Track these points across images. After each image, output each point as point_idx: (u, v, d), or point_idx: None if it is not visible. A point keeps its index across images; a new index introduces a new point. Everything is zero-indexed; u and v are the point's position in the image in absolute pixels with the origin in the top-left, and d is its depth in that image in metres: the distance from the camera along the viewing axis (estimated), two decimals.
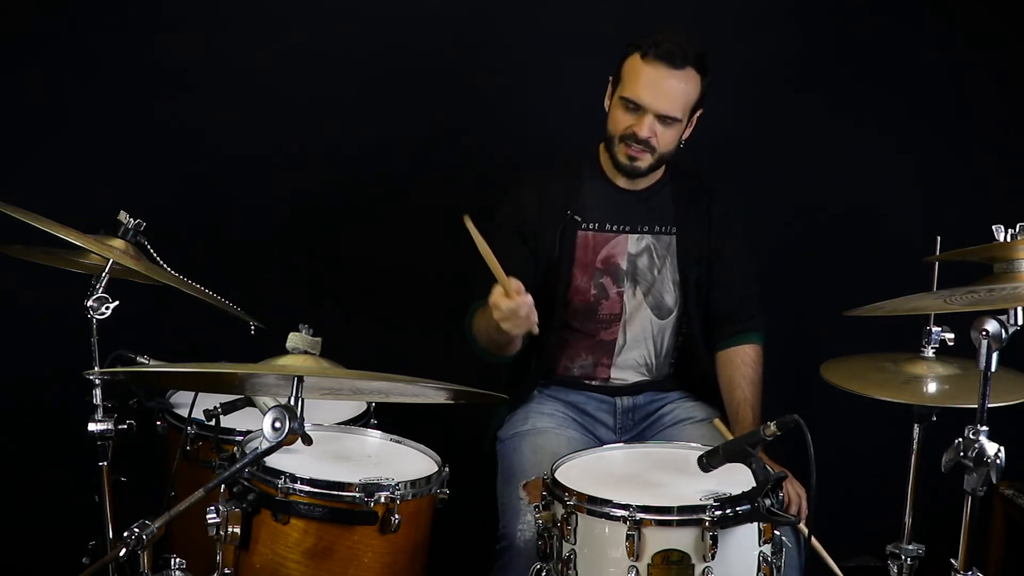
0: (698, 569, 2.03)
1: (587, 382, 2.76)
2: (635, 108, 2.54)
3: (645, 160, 2.58)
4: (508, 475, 2.57)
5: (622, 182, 2.68)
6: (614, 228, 2.68)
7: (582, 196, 2.67)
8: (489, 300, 2.27)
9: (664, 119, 2.54)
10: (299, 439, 1.92)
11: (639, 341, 2.73)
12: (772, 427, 2.02)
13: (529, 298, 2.27)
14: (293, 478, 2.07)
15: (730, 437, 2.51)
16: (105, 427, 2.31)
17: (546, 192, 2.67)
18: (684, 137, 2.64)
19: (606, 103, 2.65)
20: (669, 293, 2.71)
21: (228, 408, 2.40)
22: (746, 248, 2.77)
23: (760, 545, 2.09)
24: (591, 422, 2.75)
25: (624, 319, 2.70)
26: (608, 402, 2.76)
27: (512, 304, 2.25)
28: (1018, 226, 2.07)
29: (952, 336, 2.26)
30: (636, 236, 2.69)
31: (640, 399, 2.76)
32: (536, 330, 2.33)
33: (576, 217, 2.65)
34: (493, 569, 2.46)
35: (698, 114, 2.63)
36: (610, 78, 2.63)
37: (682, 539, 2.03)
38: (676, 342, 2.76)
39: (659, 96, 2.52)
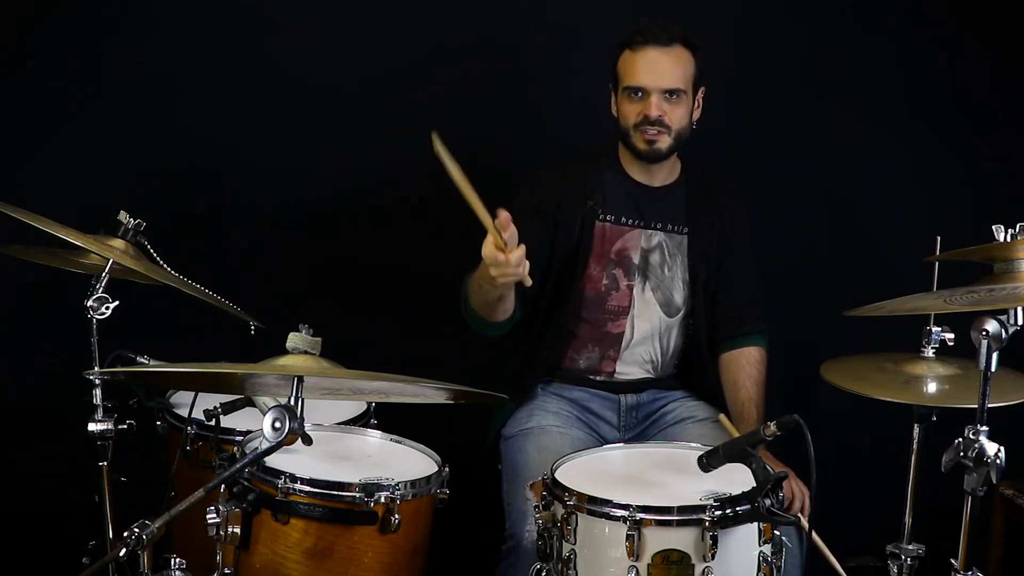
0: (698, 569, 2.03)
1: (592, 377, 2.76)
2: (640, 94, 2.60)
3: (664, 140, 2.63)
4: (513, 475, 2.57)
5: (639, 176, 2.72)
6: (629, 222, 2.71)
7: (600, 187, 2.71)
8: (482, 252, 2.22)
9: (669, 95, 2.60)
10: (299, 439, 1.92)
11: (646, 337, 2.73)
12: (772, 427, 2.02)
13: (520, 247, 2.21)
14: (293, 478, 2.07)
15: (735, 434, 2.51)
16: (105, 427, 2.31)
17: (567, 180, 2.72)
18: (695, 118, 2.69)
19: (612, 109, 2.69)
20: (679, 291, 2.73)
21: (228, 408, 2.40)
22: (752, 251, 2.79)
23: (760, 545, 2.09)
24: (595, 420, 2.75)
25: (632, 313, 2.71)
26: (612, 399, 2.76)
27: (502, 247, 2.19)
28: (1018, 226, 2.08)
29: (952, 336, 2.26)
30: (649, 232, 2.72)
31: (644, 397, 2.77)
32: (528, 280, 2.27)
33: (595, 207, 2.68)
34: (499, 569, 2.46)
35: (702, 92, 2.69)
36: (610, 85, 2.68)
37: (682, 539, 2.03)
38: (683, 342, 2.77)
39: (658, 74, 2.59)
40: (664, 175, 2.73)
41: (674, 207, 2.73)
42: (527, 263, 2.25)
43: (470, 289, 2.54)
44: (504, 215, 2.18)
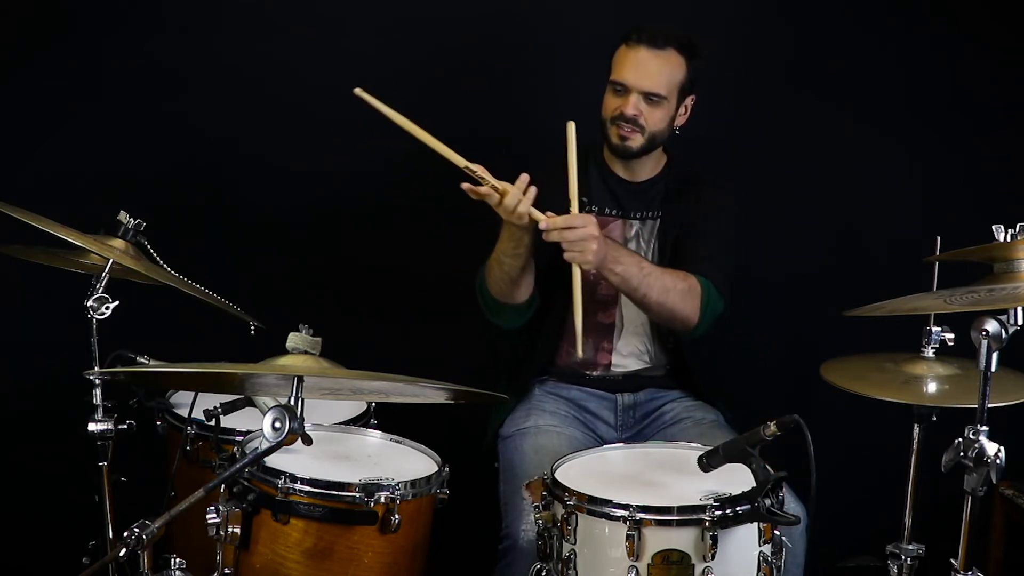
0: (698, 569, 2.03)
1: (588, 373, 2.77)
2: (622, 90, 2.64)
3: (636, 140, 2.65)
4: (510, 475, 2.57)
5: (622, 172, 2.75)
6: (612, 213, 2.74)
7: (588, 182, 2.73)
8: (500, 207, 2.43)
9: (649, 97, 2.62)
10: (299, 439, 1.92)
11: (636, 325, 2.74)
12: (772, 427, 2.02)
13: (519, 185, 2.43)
14: (293, 478, 2.07)
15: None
16: (105, 427, 2.31)
17: (555, 176, 2.71)
18: (679, 124, 2.71)
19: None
20: None
21: (228, 408, 2.40)
22: (722, 228, 2.73)
23: (760, 545, 2.09)
24: (592, 419, 2.76)
25: (621, 301, 2.73)
26: (609, 399, 2.77)
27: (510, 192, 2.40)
28: (1018, 226, 2.08)
29: (952, 336, 2.26)
30: (630, 222, 2.75)
31: (641, 396, 2.78)
32: (539, 215, 2.45)
33: (583, 199, 2.70)
34: (496, 569, 2.46)
35: (690, 100, 2.70)
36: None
37: (682, 539, 2.04)
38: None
39: (642, 75, 2.61)
40: (647, 171, 2.76)
41: (653, 198, 2.76)
42: (530, 192, 2.44)
43: (488, 274, 2.59)
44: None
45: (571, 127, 2.48)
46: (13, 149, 3.06)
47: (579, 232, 2.43)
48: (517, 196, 2.43)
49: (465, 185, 2.42)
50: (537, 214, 2.46)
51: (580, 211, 2.68)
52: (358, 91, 2.39)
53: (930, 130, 3.31)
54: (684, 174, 2.78)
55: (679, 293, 2.57)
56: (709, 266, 2.64)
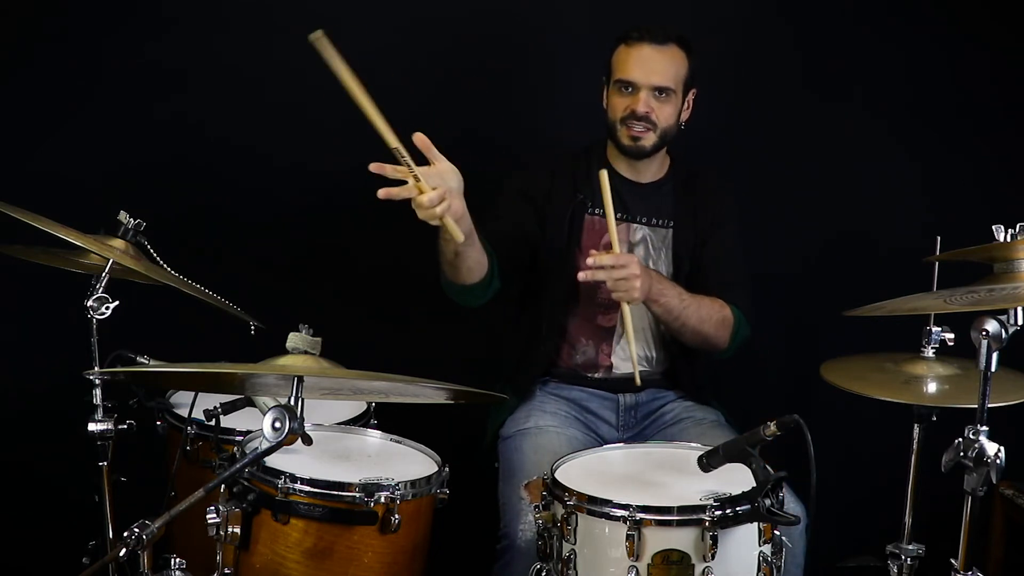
0: (698, 569, 2.03)
1: (590, 374, 2.77)
2: (629, 88, 2.64)
3: (648, 138, 2.65)
4: (509, 474, 2.57)
5: (626, 172, 2.75)
6: (616, 216, 2.70)
7: (589, 182, 2.72)
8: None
9: (658, 92, 2.63)
10: (299, 439, 1.92)
11: (637, 331, 2.73)
12: (772, 427, 2.02)
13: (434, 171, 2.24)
14: (293, 478, 2.07)
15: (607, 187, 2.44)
16: (105, 427, 2.31)
17: (558, 173, 2.75)
18: (684, 119, 2.72)
19: (603, 102, 2.72)
20: None
21: (228, 408, 2.40)
22: (737, 242, 2.78)
23: (760, 545, 2.09)
24: (593, 420, 2.76)
25: (622, 306, 2.71)
26: (610, 399, 2.77)
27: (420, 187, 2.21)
28: (1018, 226, 2.08)
29: (952, 336, 2.26)
30: (634, 226, 2.74)
31: (642, 396, 2.78)
32: (455, 230, 2.28)
33: (584, 199, 2.70)
34: (494, 569, 2.47)
35: (693, 94, 2.71)
36: (603, 78, 2.72)
37: (682, 539, 2.03)
38: (672, 336, 2.75)
39: (649, 71, 2.63)
40: (652, 172, 2.76)
41: (660, 203, 2.75)
42: (447, 204, 2.24)
43: (441, 263, 2.57)
44: (422, 136, 2.23)
45: (604, 175, 2.46)
46: (13, 149, 3.06)
47: (622, 272, 2.45)
48: (438, 197, 2.23)
49: (374, 165, 2.22)
50: (455, 230, 2.29)
51: (584, 214, 2.69)
52: (314, 36, 2.17)
53: (930, 130, 3.31)
54: (688, 176, 2.78)
55: (714, 324, 2.63)
56: (739, 293, 2.70)
